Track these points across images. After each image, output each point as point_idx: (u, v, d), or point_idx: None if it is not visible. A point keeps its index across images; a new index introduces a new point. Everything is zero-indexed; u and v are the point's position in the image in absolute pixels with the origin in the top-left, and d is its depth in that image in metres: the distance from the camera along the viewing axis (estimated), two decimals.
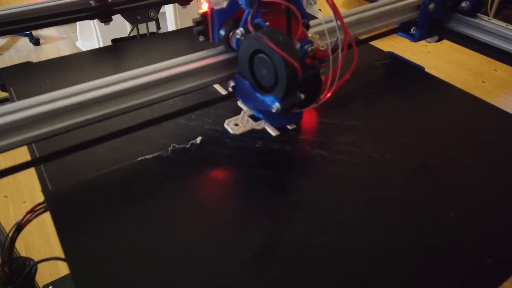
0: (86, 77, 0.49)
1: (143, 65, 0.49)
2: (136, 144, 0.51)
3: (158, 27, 0.91)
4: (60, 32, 2.41)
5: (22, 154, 0.49)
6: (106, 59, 0.74)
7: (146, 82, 0.48)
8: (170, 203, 0.44)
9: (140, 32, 0.89)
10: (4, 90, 0.64)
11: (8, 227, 0.46)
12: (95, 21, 1.43)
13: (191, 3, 0.84)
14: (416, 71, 0.69)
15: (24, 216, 0.44)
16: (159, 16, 0.86)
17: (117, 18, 0.77)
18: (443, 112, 0.59)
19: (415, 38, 0.72)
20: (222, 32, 0.51)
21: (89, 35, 1.99)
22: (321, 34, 0.54)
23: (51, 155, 0.46)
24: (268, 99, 0.49)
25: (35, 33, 2.30)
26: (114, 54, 0.76)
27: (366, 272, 0.38)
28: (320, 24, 0.60)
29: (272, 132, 0.53)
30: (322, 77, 0.48)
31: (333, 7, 0.46)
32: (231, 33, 0.51)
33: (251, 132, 0.54)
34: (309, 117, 0.57)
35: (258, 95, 0.50)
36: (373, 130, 0.55)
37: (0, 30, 0.66)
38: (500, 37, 0.66)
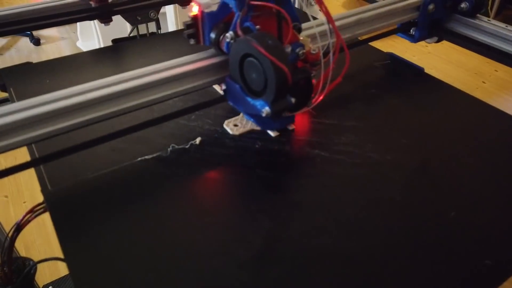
0: (86, 78, 0.49)
1: (143, 66, 0.49)
2: (136, 144, 0.51)
3: (158, 27, 0.91)
4: (60, 32, 2.41)
5: (22, 154, 0.49)
6: (106, 60, 0.74)
7: (146, 83, 0.48)
8: (170, 203, 0.44)
9: (140, 33, 0.89)
10: (4, 90, 0.64)
11: (9, 227, 0.46)
12: (96, 21, 1.44)
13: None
14: (415, 71, 0.69)
15: (24, 216, 0.44)
16: (159, 17, 0.86)
17: (117, 18, 0.77)
18: (442, 112, 0.59)
19: (414, 39, 0.72)
20: (212, 35, 0.51)
21: (90, 35, 2.00)
22: (314, 37, 0.54)
23: (51, 155, 0.46)
24: (258, 103, 0.48)
25: (35, 33, 2.30)
26: (114, 55, 0.76)
27: (366, 272, 0.38)
28: (311, 27, 0.59)
29: (272, 132, 0.54)
30: (314, 81, 0.48)
31: (326, 14, 0.46)
32: (221, 37, 0.50)
33: (251, 133, 0.54)
34: (308, 118, 0.57)
35: (249, 99, 0.50)
36: (373, 130, 0.55)
37: (1, 30, 0.66)
38: (499, 38, 0.66)
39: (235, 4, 0.47)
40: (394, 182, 0.47)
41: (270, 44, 0.44)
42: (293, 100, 0.47)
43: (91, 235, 0.41)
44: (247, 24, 0.48)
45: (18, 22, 0.67)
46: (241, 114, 0.56)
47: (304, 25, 0.54)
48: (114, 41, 0.81)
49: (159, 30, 0.92)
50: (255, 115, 0.53)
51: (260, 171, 0.48)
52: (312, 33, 0.56)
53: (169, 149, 0.51)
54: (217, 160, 0.50)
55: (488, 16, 0.69)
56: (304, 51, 0.47)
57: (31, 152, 0.49)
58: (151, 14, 0.83)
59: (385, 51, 0.74)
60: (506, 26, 0.66)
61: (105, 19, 0.74)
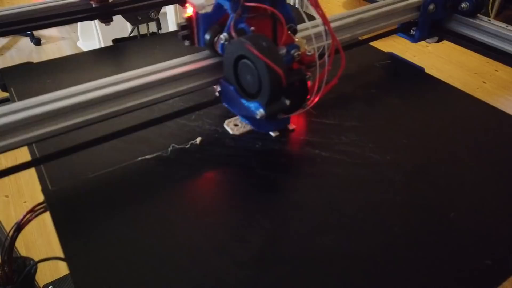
0: (86, 77, 0.49)
1: (144, 65, 0.49)
2: (136, 144, 0.51)
3: (159, 27, 0.91)
4: (61, 32, 2.41)
5: (23, 154, 0.49)
6: (107, 59, 0.74)
7: (146, 83, 0.48)
8: (170, 203, 0.45)
9: (141, 32, 0.89)
10: (5, 90, 0.64)
11: (9, 226, 0.46)
12: (96, 21, 1.44)
13: None
14: (416, 71, 0.69)
15: (24, 216, 0.45)
16: (160, 17, 0.86)
17: (118, 18, 0.77)
18: (443, 112, 0.59)
19: (414, 39, 0.72)
20: (207, 37, 0.50)
21: (90, 35, 2.00)
22: (310, 38, 0.53)
23: (51, 155, 0.46)
24: (252, 105, 0.48)
25: (36, 33, 2.30)
26: (114, 55, 0.76)
27: (366, 272, 0.38)
28: (307, 28, 0.59)
29: (272, 132, 0.54)
30: (309, 83, 0.48)
31: (322, 16, 0.45)
32: (216, 38, 0.50)
33: (251, 133, 0.54)
34: (309, 118, 0.57)
35: (243, 101, 0.49)
36: (373, 130, 0.55)
37: (2, 30, 0.66)
38: (500, 38, 0.66)
39: (229, 5, 0.47)
40: (394, 182, 0.47)
41: (265, 46, 0.43)
42: (287, 102, 0.46)
43: (91, 234, 0.41)
44: (242, 25, 0.47)
45: (19, 22, 0.67)
46: None
47: (299, 26, 0.54)
48: (114, 41, 0.81)
49: (159, 30, 0.92)
50: (250, 117, 0.53)
51: (260, 171, 0.48)
52: (308, 34, 0.55)
53: (169, 149, 0.51)
54: (217, 160, 0.50)
55: (489, 16, 0.69)
56: (299, 52, 0.47)
57: (31, 152, 0.49)
58: (152, 14, 0.83)
59: (385, 51, 0.74)
60: (507, 26, 0.66)
61: (106, 19, 0.74)
